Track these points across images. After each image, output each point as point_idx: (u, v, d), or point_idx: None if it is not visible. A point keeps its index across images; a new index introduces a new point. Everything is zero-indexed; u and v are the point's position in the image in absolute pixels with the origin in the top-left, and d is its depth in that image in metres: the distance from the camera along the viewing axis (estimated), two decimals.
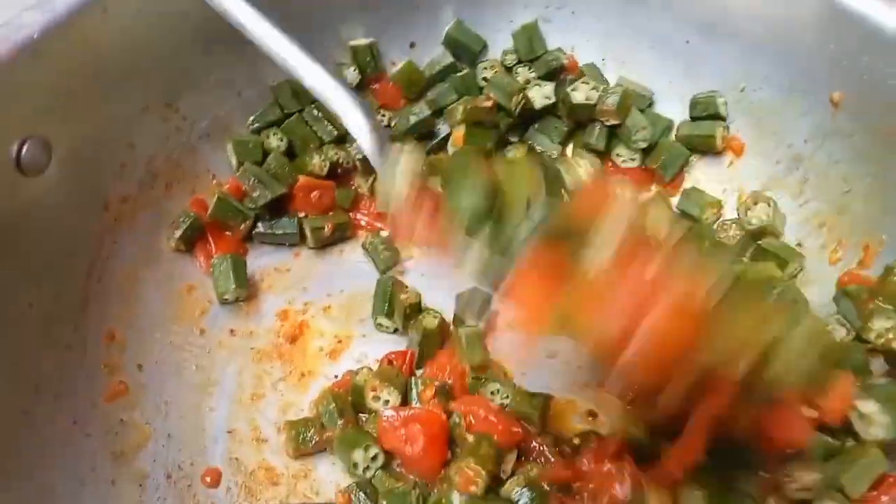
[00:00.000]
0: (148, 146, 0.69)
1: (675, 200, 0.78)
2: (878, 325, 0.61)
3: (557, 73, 0.81)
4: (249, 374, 0.68)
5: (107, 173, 0.66)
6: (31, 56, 0.57)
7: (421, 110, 0.79)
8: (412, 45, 0.83)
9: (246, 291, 0.71)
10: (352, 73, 0.80)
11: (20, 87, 0.57)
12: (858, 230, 0.68)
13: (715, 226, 0.74)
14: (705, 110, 0.77)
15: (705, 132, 0.77)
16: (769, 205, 0.72)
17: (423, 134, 0.80)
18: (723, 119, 0.77)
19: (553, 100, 0.78)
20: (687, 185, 0.78)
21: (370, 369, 0.67)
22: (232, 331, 0.70)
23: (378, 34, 0.81)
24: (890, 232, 0.65)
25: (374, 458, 0.60)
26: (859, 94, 0.66)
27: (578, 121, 0.79)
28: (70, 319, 0.62)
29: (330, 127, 0.78)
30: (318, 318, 0.72)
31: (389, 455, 0.61)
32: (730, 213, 0.76)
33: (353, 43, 0.80)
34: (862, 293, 0.64)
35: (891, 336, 0.60)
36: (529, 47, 0.81)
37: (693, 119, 0.79)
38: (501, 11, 0.82)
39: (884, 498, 0.55)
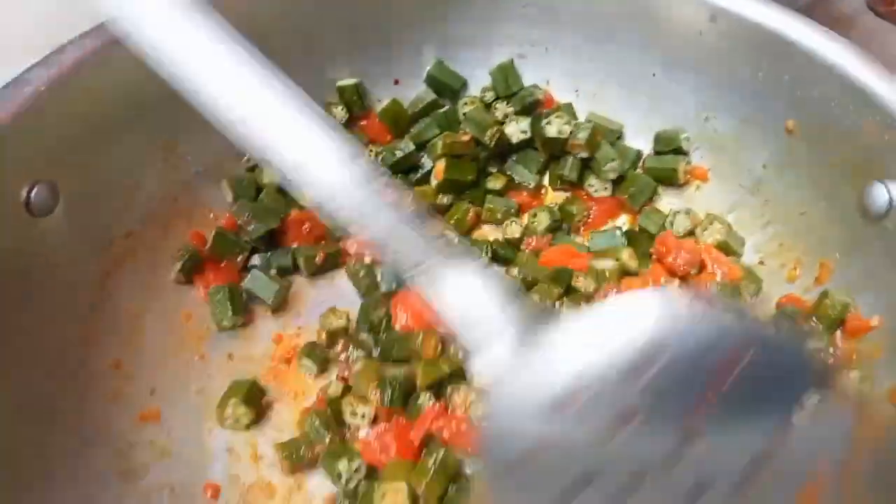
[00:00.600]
0: (149, 185, 0.74)
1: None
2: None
3: (533, 108, 0.85)
4: None
5: (111, 212, 0.71)
6: (39, 108, 0.62)
7: (406, 145, 0.84)
8: (396, 83, 0.88)
9: (243, 318, 0.75)
10: (340, 112, 0.85)
11: (29, 137, 0.61)
12: (815, 250, 0.73)
13: None
14: (668, 145, 0.82)
15: (668, 166, 0.82)
16: (723, 225, 0.77)
17: (408, 167, 0.85)
18: (685, 153, 0.82)
19: (529, 134, 0.83)
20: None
21: (342, 378, 0.71)
22: (230, 355, 0.74)
23: (363, 73, 0.86)
24: (843, 251, 0.70)
25: (357, 469, 0.64)
26: (811, 123, 0.71)
27: (553, 153, 0.84)
28: (78, 350, 0.66)
29: None
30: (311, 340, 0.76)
31: (373, 466, 0.65)
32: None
33: (340, 83, 0.85)
34: (798, 314, 0.68)
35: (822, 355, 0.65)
36: (506, 84, 0.86)
37: (657, 153, 0.83)
38: (479, 50, 0.88)
39: None
